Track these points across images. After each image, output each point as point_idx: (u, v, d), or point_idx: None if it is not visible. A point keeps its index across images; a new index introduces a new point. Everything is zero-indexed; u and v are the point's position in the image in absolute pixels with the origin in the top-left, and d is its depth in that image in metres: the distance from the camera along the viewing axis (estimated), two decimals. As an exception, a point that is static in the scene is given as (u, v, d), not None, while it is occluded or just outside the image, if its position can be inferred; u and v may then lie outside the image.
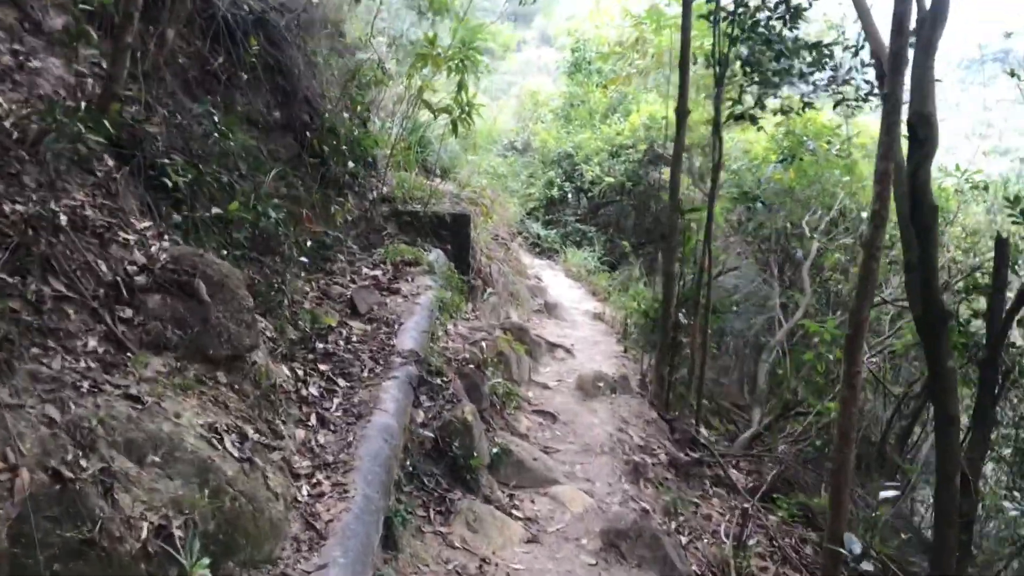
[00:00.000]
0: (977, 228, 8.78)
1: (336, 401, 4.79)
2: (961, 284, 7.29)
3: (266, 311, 5.04)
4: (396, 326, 5.97)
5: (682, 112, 6.88)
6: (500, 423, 6.06)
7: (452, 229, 8.01)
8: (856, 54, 7.02)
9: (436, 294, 6.79)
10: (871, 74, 6.77)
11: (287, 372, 4.77)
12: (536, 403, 6.79)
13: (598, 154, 15.11)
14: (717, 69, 6.76)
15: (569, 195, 15.58)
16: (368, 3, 9.44)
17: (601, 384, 7.09)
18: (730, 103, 7.14)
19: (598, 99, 16.71)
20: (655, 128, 14.23)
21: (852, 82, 7.09)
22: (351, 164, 7.07)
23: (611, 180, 14.42)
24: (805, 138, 10.94)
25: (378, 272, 6.96)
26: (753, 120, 6.66)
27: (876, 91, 6.69)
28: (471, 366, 6.08)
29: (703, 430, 6.94)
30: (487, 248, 9.64)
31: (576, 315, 10.00)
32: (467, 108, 8.01)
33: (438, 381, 5.52)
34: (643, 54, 11.14)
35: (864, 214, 10.19)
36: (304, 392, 4.73)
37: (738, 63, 6.73)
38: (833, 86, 7.14)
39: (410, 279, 6.92)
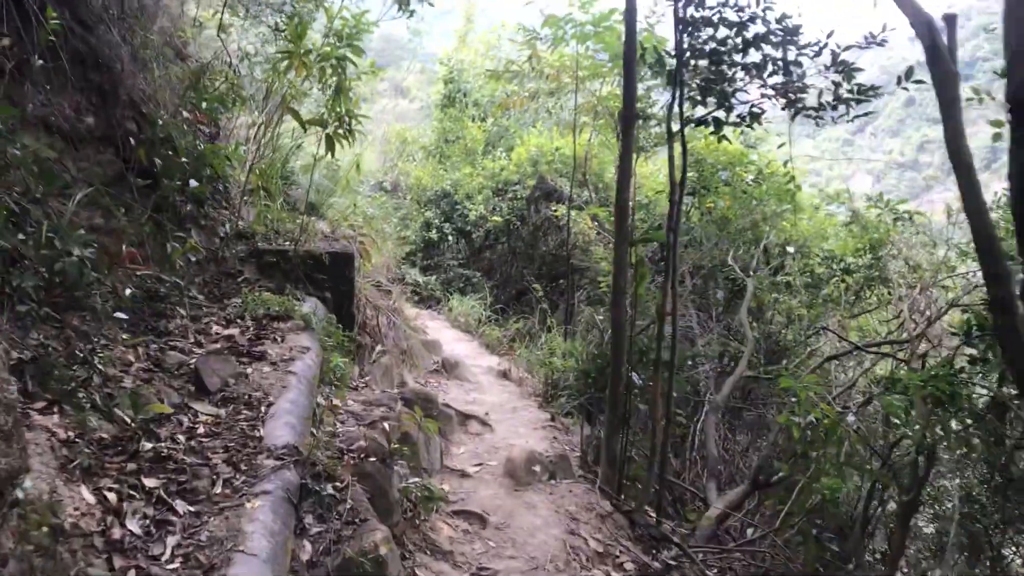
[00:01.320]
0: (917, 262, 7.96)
1: (172, 542, 2.96)
2: None
3: (60, 398, 3.21)
4: (263, 408, 4.21)
5: (629, 118, 5.50)
6: (417, 540, 4.31)
7: (331, 272, 6.23)
8: (818, 54, 5.93)
9: (316, 358, 5.00)
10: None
11: (89, 498, 2.94)
12: (457, 499, 5.07)
13: (480, 192, 13.68)
14: (672, 63, 5.45)
15: (449, 237, 14.01)
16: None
17: (536, 468, 5.46)
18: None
19: (475, 134, 15.36)
20: (544, 161, 12.99)
21: (810, 88, 5.99)
22: (193, 184, 5.19)
23: (497, 219, 12.99)
24: (719, 167, 10.00)
25: (235, 331, 5.10)
26: (717, 125, 5.37)
27: (848, 94, 5.60)
28: (372, 459, 4.33)
29: (665, 521, 5.44)
30: (371, 296, 7.87)
31: (479, 374, 8.35)
32: (347, 119, 6.32)
33: (329, 489, 3.75)
34: (538, 73, 9.82)
35: (790, 248, 9.26)
36: (117, 531, 2.89)
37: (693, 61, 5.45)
38: (792, 94, 6.00)
39: (279, 338, 5.09)
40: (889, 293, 8.48)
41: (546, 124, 14.73)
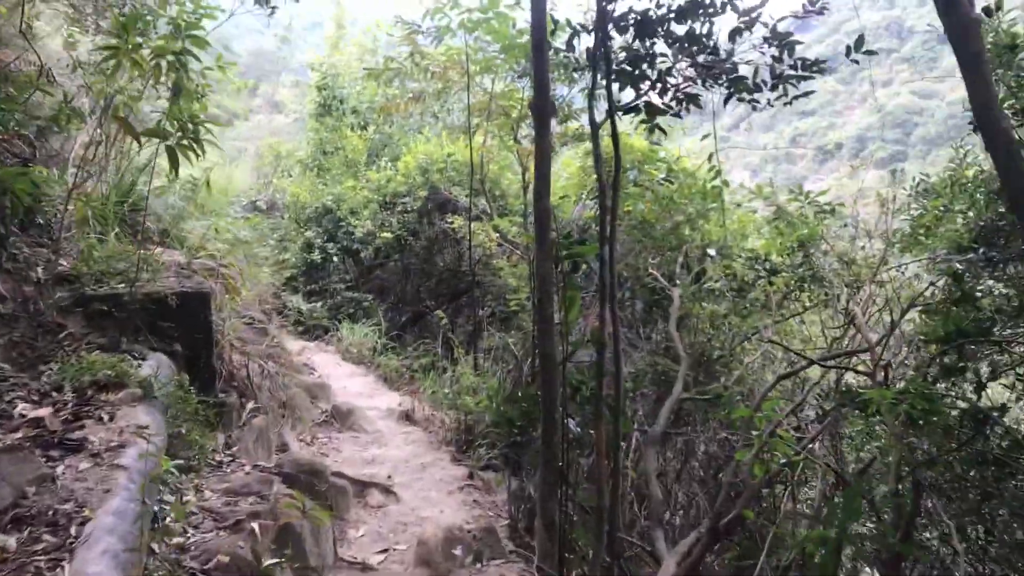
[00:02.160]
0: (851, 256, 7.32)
1: None
2: None
3: None
4: (74, 528, 2.98)
5: (543, 108, 4.47)
6: None
7: (182, 317, 4.91)
8: (739, 34, 5.08)
9: (158, 438, 3.72)
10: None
11: None
12: (359, 608, 3.88)
13: (366, 206, 12.41)
14: (588, 39, 4.46)
15: (334, 258, 12.66)
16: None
17: (457, 550, 4.32)
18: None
19: (356, 143, 14.06)
20: (435, 169, 11.86)
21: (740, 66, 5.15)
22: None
23: (387, 236, 11.76)
24: (625, 166, 9.16)
25: (46, 410, 3.79)
26: (650, 111, 4.42)
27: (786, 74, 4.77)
28: (238, 580, 3.12)
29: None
30: (239, 339, 6.54)
31: (377, 419, 7.13)
32: (191, 127, 5.02)
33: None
34: (422, 71, 8.71)
35: (711, 251, 8.49)
36: None
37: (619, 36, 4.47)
38: (724, 75, 5.11)
39: (107, 416, 3.81)
40: (825, 294, 7.82)
41: (434, 130, 13.61)
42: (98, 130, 6.52)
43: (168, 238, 7.90)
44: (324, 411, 6.82)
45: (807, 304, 8.20)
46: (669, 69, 4.47)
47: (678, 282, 7.51)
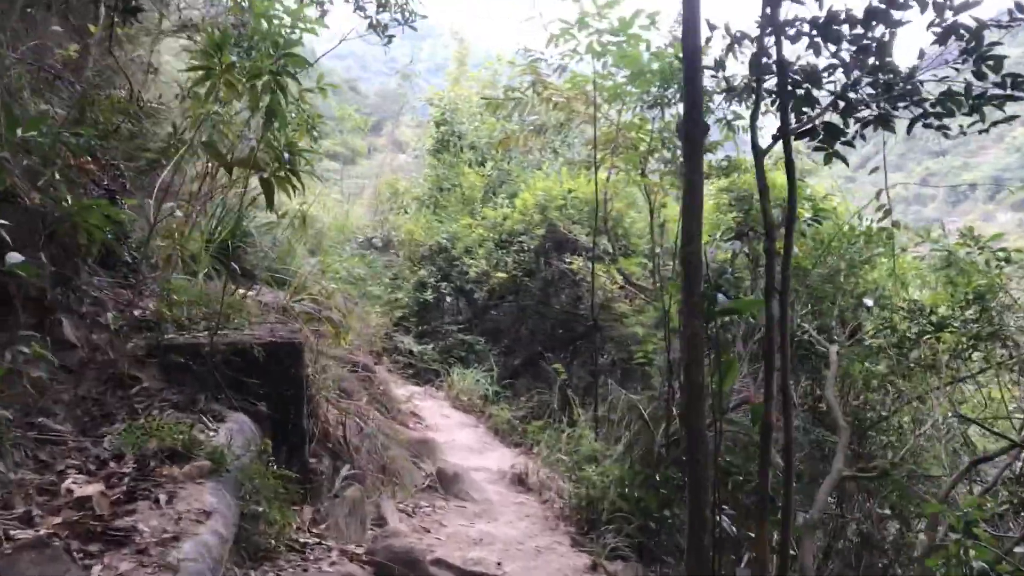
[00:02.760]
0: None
1: None
2: None
3: None
4: None
5: (695, 131, 3.64)
6: None
7: (268, 372, 4.34)
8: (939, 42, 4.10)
9: (224, 525, 3.10)
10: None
11: None
12: None
13: (482, 245, 11.85)
14: (756, 50, 3.62)
15: (448, 298, 12.16)
16: None
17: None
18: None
19: (474, 180, 13.61)
20: (554, 207, 11.17)
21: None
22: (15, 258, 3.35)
23: (502, 276, 11.13)
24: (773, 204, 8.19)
25: (96, 488, 3.22)
26: (832, 135, 3.52)
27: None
28: None
29: None
30: (338, 391, 5.98)
31: (487, 483, 6.38)
32: (286, 157, 4.50)
33: None
34: (544, 102, 8.07)
35: (868, 301, 7.35)
36: None
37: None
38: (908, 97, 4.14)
39: (167, 496, 3.20)
40: (1010, 355, 6.59)
41: (554, 166, 12.97)
42: (209, 162, 6.21)
43: (276, 280, 7.53)
44: (428, 474, 6.13)
45: (984, 365, 6.96)
46: (852, 85, 3.56)
47: (835, 338, 6.44)
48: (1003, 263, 6.70)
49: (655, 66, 6.79)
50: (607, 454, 6.67)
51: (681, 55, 6.40)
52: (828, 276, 6.50)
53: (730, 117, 8.27)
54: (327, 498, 4.49)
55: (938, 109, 3.85)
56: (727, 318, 4.70)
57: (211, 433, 3.78)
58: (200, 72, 4.62)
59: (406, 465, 5.83)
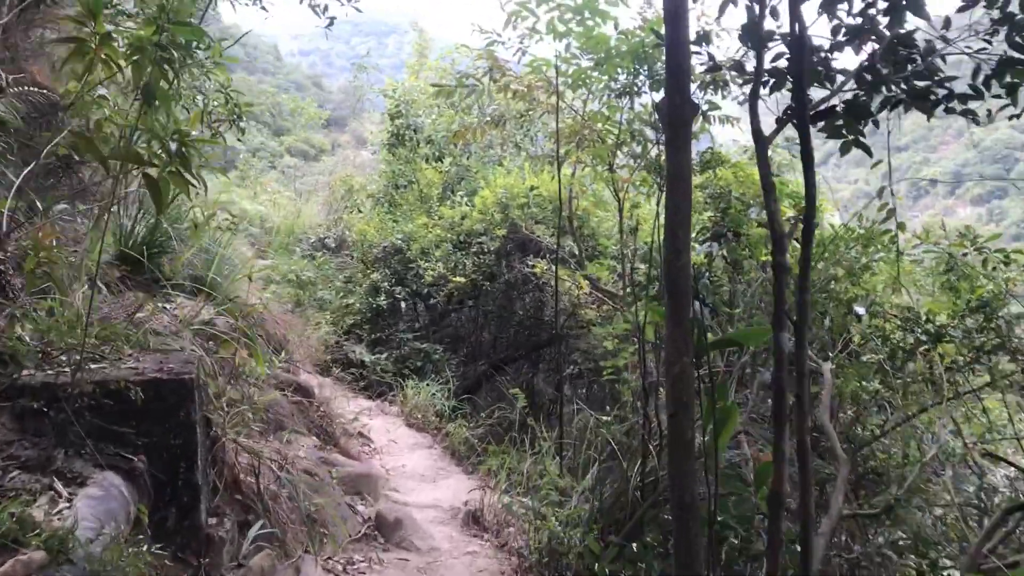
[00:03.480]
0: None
1: None
2: None
3: None
4: None
5: (681, 112, 2.85)
6: None
7: (149, 417, 3.48)
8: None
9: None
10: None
11: None
12: None
13: (439, 246, 11.02)
14: (755, 14, 2.85)
15: (402, 303, 11.29)
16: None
17: None
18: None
19: (431, 177, 12.75)
20: (516, 206, 10.38)
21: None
22: None
23: (460, 280, 10.30)
24: (747, 202, 7.54)
25: None
26: (858, 114, 2.77)
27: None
28: None
29: None
30: (262, 423, 5.12)
31: (435, 527, 5.56)
32: (179, 147, 3.64)
33: None
34: (502, 90, 7.27)
35: (859, 309, 6.66)
36: None
37: None
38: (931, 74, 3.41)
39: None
40: (1022, 370, 5.95)
41: (515, 161, 12.18)
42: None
43: (199, 287, 6.64)
44: (367, 520, 5.28)
45: (989, 379, 6.31)
46: (884, 53, 2.80)
47: (829, 353, 5.73)
48: (1002, 265, 6.10)
49: (624, 48, 6.01)
50: (572, 488, 5.91)
51: (655, 29, 5.61)
52: (823, 285, 5.78)
53: (704, 107, 7.58)
54: (229, 568, 3.65)
55: (967, 91, 3.14)
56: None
57: (62, 505, 2.92)
58: (71, 46, 3.74)
59: (340, 511, 4.98)
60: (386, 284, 11.38)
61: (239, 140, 7.17)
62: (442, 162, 13.02)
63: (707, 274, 7.48)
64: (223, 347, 5.29)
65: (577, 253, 9.73)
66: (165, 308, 5.83)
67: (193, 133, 3.72)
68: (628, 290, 7.86)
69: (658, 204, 6.24)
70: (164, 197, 3.70)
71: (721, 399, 2.77)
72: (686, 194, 2.79)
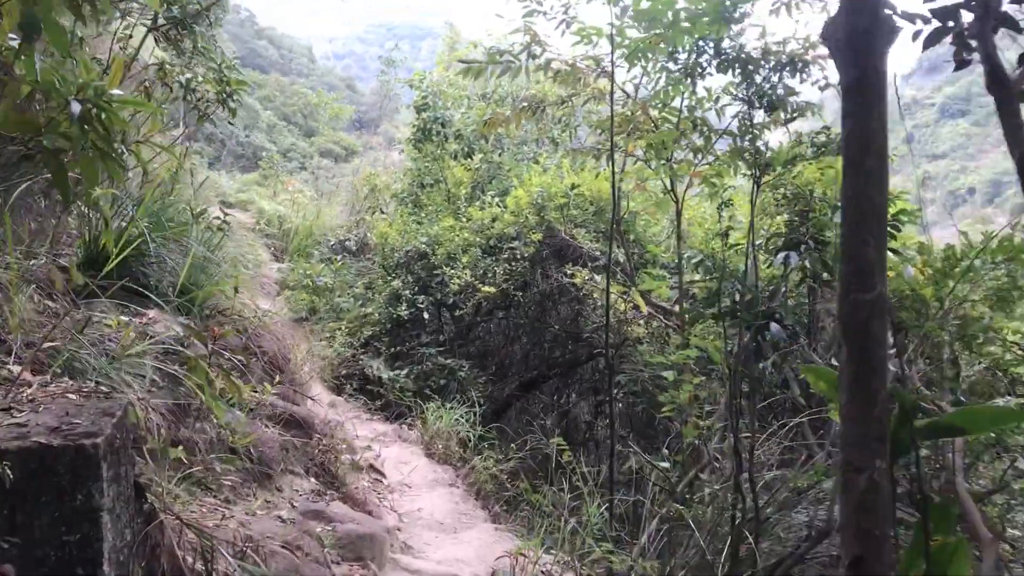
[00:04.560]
0: None
1: None
2: None
3: None
4: None
5: (868, 28, 1.67)
6: None
7: (32, 501, 2.38)
8: None
9: None
10: None
11: None
12: None
13: (467, 251, 9.90)
14: None
15: (425, 314, 10.18)
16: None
17: None
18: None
19: (459, 175, 11.64)
20: (553, 207, 9.24)
21: None
22: None
23: (489, 290, 9.17)
24: (829, 205, 6.37)
25: None
26: None
27: None
28: None
29: None
30: (225, 481, 4.03)
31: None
32: (76, 111, 2.52)
33: None
34: (543, 68, 6.14)
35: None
36: None
37: None
38: None
39: None
40: None
41: (553, 159, 11.03)
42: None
43: (186, 298, 5.61)
44: (364, 604, 4.17)
45: None
46: None
47: (962, 399, 4.50)
48: None
49: (703, 5, 4.85)
50: (624, 541, 4.78)
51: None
52: (960, 315, 4.54)
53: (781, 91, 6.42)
54: None
55: None
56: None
57: None
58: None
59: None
60: (408, 292, 10.29)
61: (229, 123, 6.12)
62: (471, 159, 11.91)
63: (784, 290, 6.29)
64: (192, 374, 4.21)
65: (624, 261, 8.56)
66: (130, 324, 4.79)
67: (113, 92, 2.62)
68: (684, 306, 6.69)
69: (752, 199, 5.06)
70: (63, 181, 2.61)
71: (941, 529, 1.59)
72: (880, 178, 1.61)
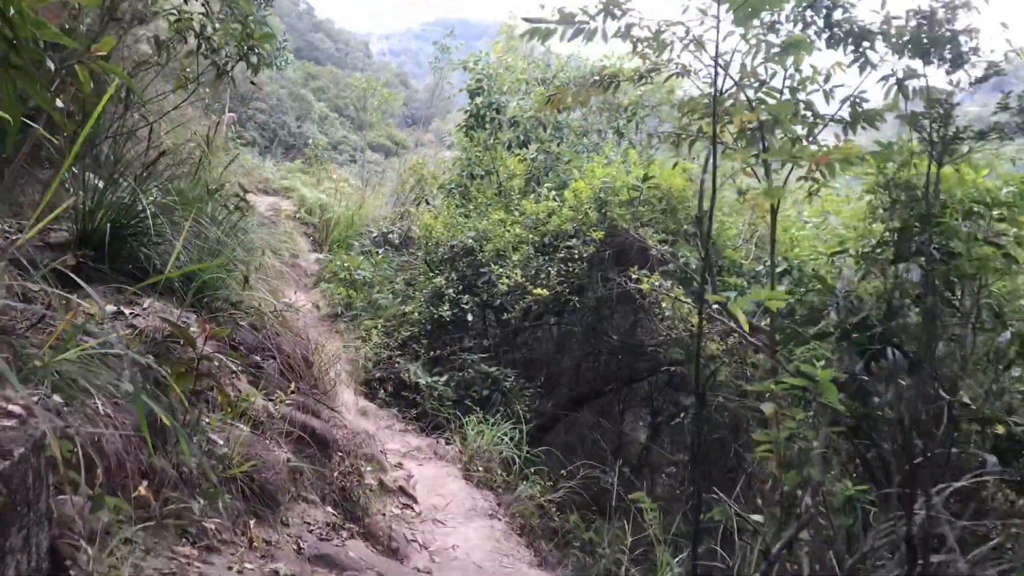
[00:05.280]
0: None
1: None
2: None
3: None
4: None
5: None
6: None
7: None
8: None
9: None
10: None
11: None
12: None
13: (517, 248, 8.95)
14: None
15: (469, 315, 9.27)
16: None
17: None
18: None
19: (513, 166, 10.69)
20: (618, 202, 8.24)
21: None
22: None
23: (542, 293, 8.21)
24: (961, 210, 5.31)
25: None
26: None
27: None
28: None
29: None
30: (224, 512, 3.15)
31: None
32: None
33: None
34: (623, 33, 5.16)
35: None
36: None
37: None
38: None
39: None
40: None
41: (617, 150, 10.03)
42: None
43: (190, 286, 4.78)
44: None
45: None
46: None
47: None
48: None
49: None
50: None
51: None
52: None
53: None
54: None
55: None
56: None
57: None
58: None
59: None
60: (451, 291, 9.38)
61: (251, 83, 5.27)
62: (527, 149, 10.96)
63: (902, 304, 5.22)
64: (175, 381, 3.33)
65: (698, 267, 7.53)
66: (121, 315, 3.98)
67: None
68: (769, 322, 5.64)
69: (928, 185, 4.05)
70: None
71: None
72: None
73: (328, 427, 5.14)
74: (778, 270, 6.89)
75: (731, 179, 6.70)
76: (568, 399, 9.26)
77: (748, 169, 4.57)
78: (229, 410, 4.26)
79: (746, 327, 3.90)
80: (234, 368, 4.90)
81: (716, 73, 4.60)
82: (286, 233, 12.69)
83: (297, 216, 14.19)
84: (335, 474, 5.12)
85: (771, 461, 4.29)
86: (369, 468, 5.74)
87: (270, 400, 4.89)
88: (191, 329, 4.04)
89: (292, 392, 4.86)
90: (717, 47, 4.74)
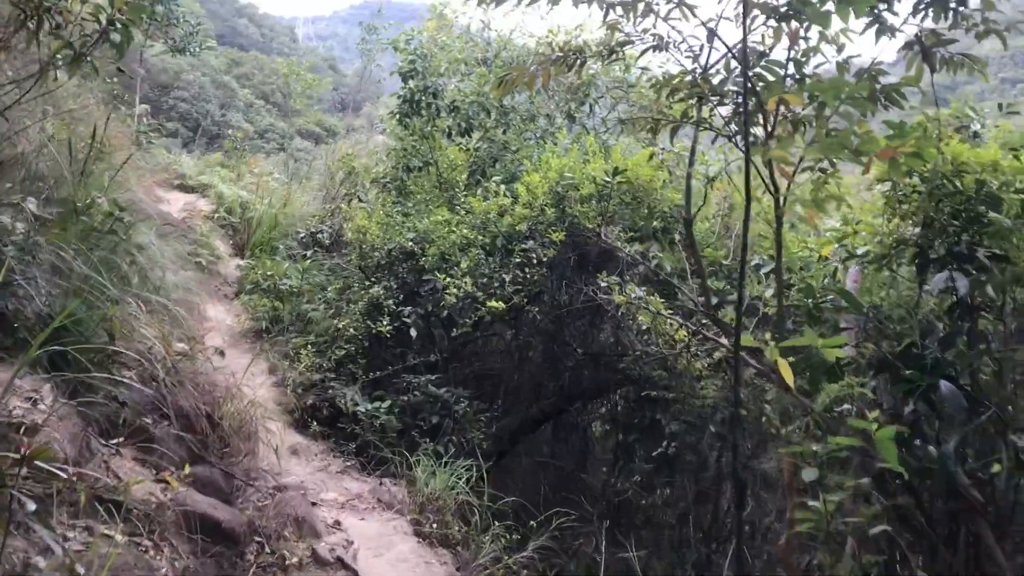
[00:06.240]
0: None
1: None
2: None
3: None
4: None
5: None
6: None
7: None
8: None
9: None
10: None
11: None
12: None
13: (465, 250, 7.85)
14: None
15: (413, 330, 8.12)
16: None
17: None
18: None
19: (454, 156, 9.53)
20: (578, 197, 7.20)
21: None
22: None
23: (497, 305, 7.14)
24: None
25: None
26: None
27: None
28: None
29: None
30: None
31: None
32: None
33: None
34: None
35: None
36: None
37: None
38: None
39: None
40: None
41: (568, 135, 8.98)
42: None
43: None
44: None
45: None
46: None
47: None
48: None
49: None
50: None
51: None
52: None
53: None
54: None
55: None
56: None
57: None
58: None
59: None
60: (391, 302, 8.22)
61: (120, 69, 4.04)
62: (469, 137, 9.81)
63: (943, 324, 4.33)
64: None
65: (670, 270, 6.56)
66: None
67: None
68: (775, 339, 4.70)
69: None
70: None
71: None
72: None
73: (237, 515, 3.99)
74: (764, 270, 5.99)
75: (724, 172, 5.70)
76: (528, 418, 8.24)
77: (784, 167, 3.54)
78: (98, 507, 3.11)
79: (790, 380, 2.88)
80: (109, 444, 3.72)
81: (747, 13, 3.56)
82: (203, 236, 11.32)
83: (216, 216, 12.77)
84: (249, 560, 4.00)
85: (795, 536, 3.34)
86: (299, 544, 4.63)
87: (161, 482, 3.73)
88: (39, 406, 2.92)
89: (187, 476, 3.70)
90: None
